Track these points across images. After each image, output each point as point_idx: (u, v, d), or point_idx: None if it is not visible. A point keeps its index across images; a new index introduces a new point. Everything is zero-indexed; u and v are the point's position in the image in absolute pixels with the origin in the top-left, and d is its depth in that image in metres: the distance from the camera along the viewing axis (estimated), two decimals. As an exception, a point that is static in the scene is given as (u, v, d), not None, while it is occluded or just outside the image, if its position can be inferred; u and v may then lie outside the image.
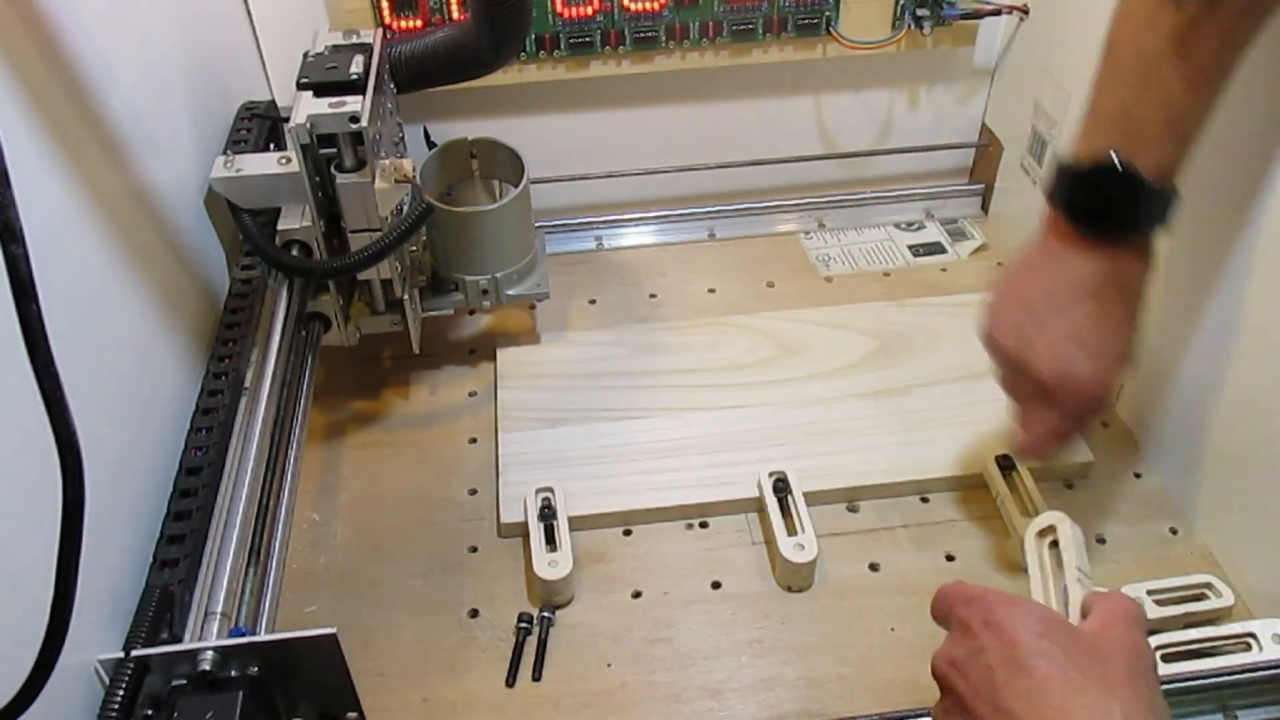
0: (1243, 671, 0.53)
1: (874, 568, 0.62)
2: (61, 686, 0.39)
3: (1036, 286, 0.53)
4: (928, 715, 0.51)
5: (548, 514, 0.62)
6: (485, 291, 0.73)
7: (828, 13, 0.79)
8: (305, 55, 0.62)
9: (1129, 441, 0.69)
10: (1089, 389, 0.52)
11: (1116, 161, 0.49)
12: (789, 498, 0.63)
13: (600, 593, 0.61)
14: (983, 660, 0.42)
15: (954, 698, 0.44)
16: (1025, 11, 0.80)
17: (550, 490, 0.64)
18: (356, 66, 0.60)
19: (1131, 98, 0.49)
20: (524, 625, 0.58)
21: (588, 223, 0.89)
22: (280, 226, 0.62)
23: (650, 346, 0.77)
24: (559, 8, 0.76)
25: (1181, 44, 0.47)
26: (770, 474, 0.64)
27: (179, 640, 0.49)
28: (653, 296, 0.83)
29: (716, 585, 0.61)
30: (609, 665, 0.57)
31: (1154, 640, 0.49)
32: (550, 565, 0.59)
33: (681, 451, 0.68)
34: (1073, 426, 0.55)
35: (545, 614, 0.59)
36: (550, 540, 0.61)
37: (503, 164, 0.75)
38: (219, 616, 0.46)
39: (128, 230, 0.56)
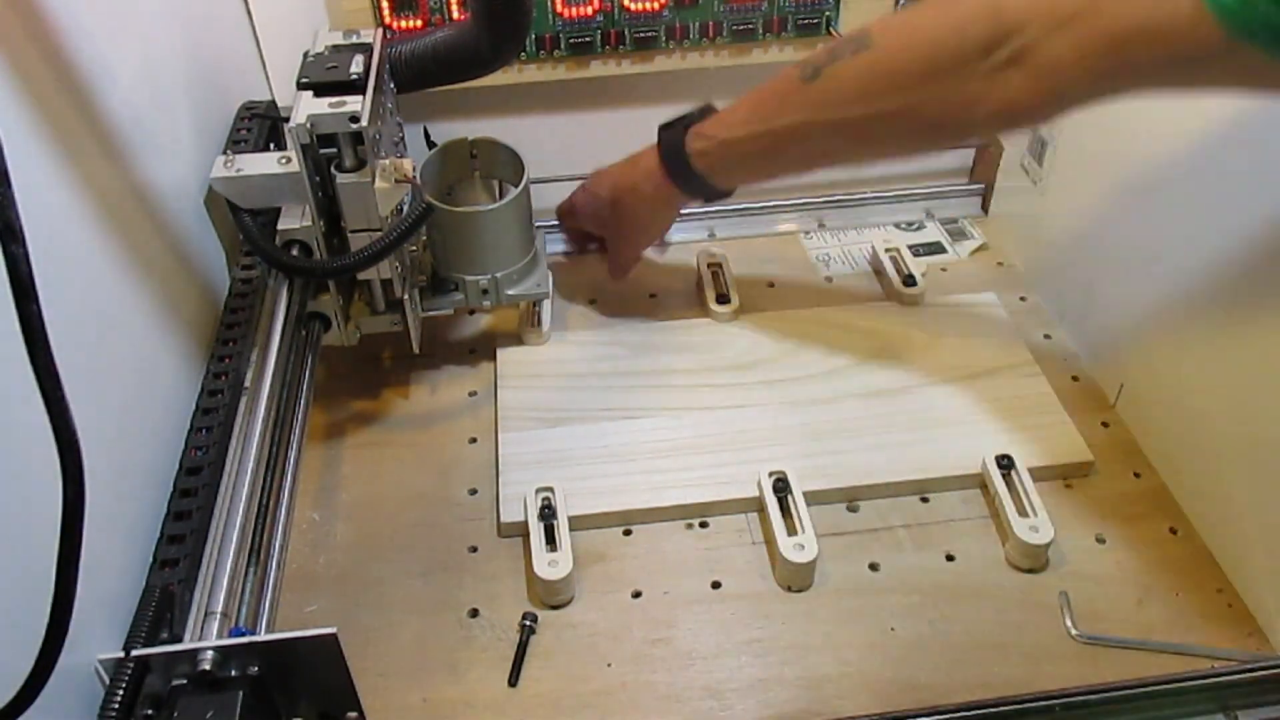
0: (1243, 671, 0.53)
1: (874, 568, 0.62)
2: (61, 686, 0.39)
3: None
4: (928, 715, 0.51)
5: (548, 514, 0.62)
6: (485, 291, 0.73)
7: (828, 13, 0.79)
8: (305, 55, 0.62)
9: (1129, 441, 0.69)
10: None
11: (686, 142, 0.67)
12: (789, 498, 0.63)
13: (600, 593, 0.61)
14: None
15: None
16: (1025, 11, 0.80)
17: (550, 490, 0.64)
18: (356, 66, 0.60)
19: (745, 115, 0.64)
20: (528, 624, 0.58)
21: (588, 223, 0.89)
22: (280, 226, 0.62)
23: (650, 346, 0.77)
24: (559, 8, 0.76)
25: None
26: (770, 474, 0.64)
27: (179, 640, 0.49)
28: (653, 296, 0.83)
29: (716, 585, 0.61)
30: (609, 665, 0.57)
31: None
32: (550, 565, 0.59)
33: (681, 451, 0.68)
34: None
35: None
36: (550, 540, 0.61)
37: (503, 164, 0.75)
38: (219, 616, 0.46)
39: (128, 230, 0.56)
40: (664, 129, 0.68)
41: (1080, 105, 0.50)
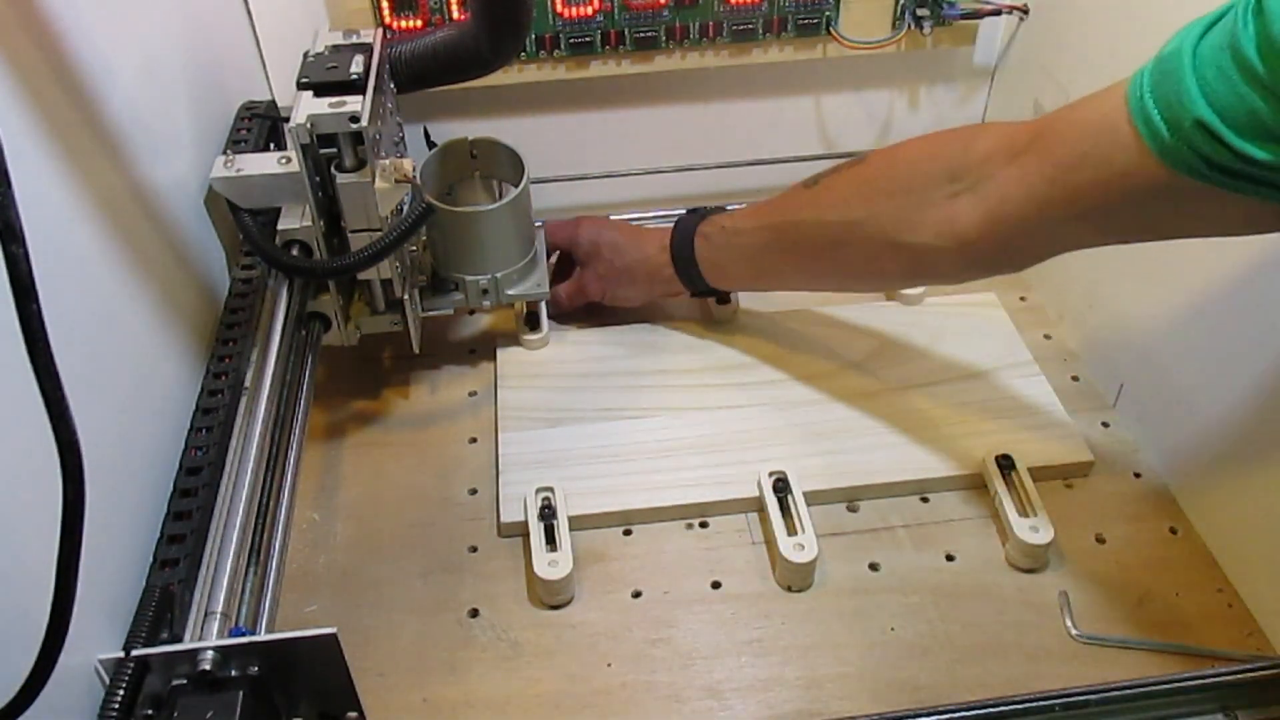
0: (1243, 671, 0.53)
1: (874, 568, 0.62)
2: (61, 686, 0.39)
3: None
4: (928, 715, 0.51)
5: (548, 514, 0.62)
6: (485, 291, 0.73)
7: (828, 13, 0.79)
8: (305, 55, 0.62)
9: (1129, 441, 0.69)
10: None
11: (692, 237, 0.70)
12: (789, 498, 0.63)
13: (600, 592, 0.61)
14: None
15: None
16: (1025, 11, 0.80)
17: (550, 490, 0.64)
18: (356, 66, 0.60)
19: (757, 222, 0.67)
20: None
21: (588, 223, 0.89)
22: (280, 226, 0.62)
23: (650, 346, 0.77)
24: (559, 8, 0.76)
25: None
26: (770, 474, 0.64)
27: (179, 640, 0.49)
28: (653, 296, 0.83)
29: (716, 585, 0.61)
30: (609, 665, 0.57)
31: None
32: (550, 565, 0.59)
33: (681, 451, 0.68)
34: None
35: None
36: (550, 540, 0.61)
37: (503, 164, 0.75)
38: (219, 616, 0.46)
39: (128, 230, 0.56)
40: (679, 220, 0.73)
41: (1028, 240, 0.52)
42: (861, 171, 0.60)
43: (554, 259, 0.81)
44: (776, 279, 0.69)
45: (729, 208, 0.72)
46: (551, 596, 0.60)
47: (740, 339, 0.77)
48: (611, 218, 0.81)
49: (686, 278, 0.71)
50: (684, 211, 0.73)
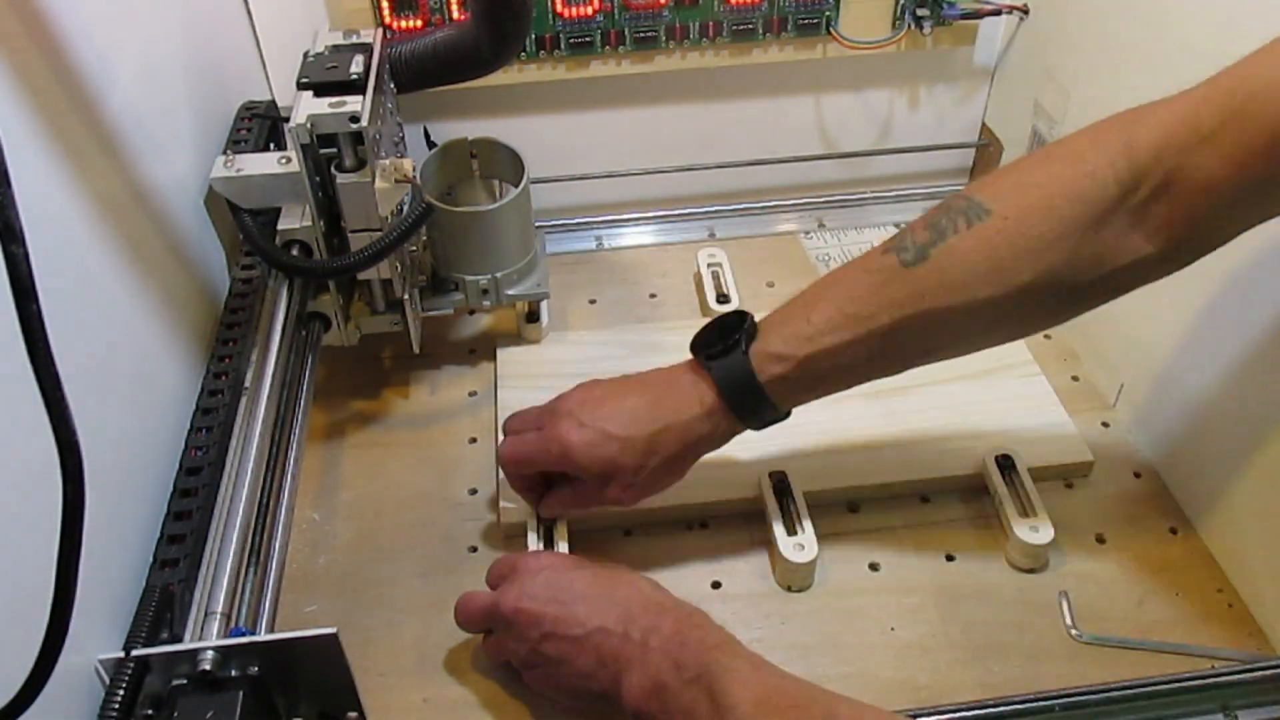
0: (1243, 671, 0.53)
1: (874, 568, 0.62)
2: (62, 686, 0.39)
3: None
4: (928, 715, 0.51)
5: (548, 514, 0.62)
6: (485, 291, 0.73)
7: (828, 13, 0.79)
8: (305, 55, 0.62)
9: (1129, 442, 0.69)
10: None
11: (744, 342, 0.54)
12: (789, 498, 0.63)
13: (600, 593, 0.61)
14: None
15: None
16: (1025, 11, 0.80)
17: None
18: (356, 66, 0.60)
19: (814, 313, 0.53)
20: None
21: (588, 223, 0.89)
22: (280, 226, 0.62)
23: (650, 346, 0.76)
24: (559, 8, 0.76)
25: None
26: (770, 474, 0.64)
27: (179, 640, 0.49)
28: (653, 296, 0.83)
29: (716, 585, 0.61)
30: (609, 665, 0.57)
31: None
32: (550, 565, 0.59)
33: (681, 451, 0.68)
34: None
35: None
36: (550, 541, 0.61)
37: (503, 164, 0.75)
38: (219, 616, 0.46)
39: (128, 230, 0.56)
40: (710, 356, 0.55)
41: (1238, 228, 0.46)
42: (999, 228, 0.48)
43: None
44: (879, 377, 0.56)
45: (738, 339, 0.55)
46: (551, 596, 0.60)
47: (740, 339, 0.77)
48: (578, 400, 0.59)
49: (756, 422, 0.56)
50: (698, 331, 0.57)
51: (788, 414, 0.57)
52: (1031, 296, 0.48)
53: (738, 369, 0.54)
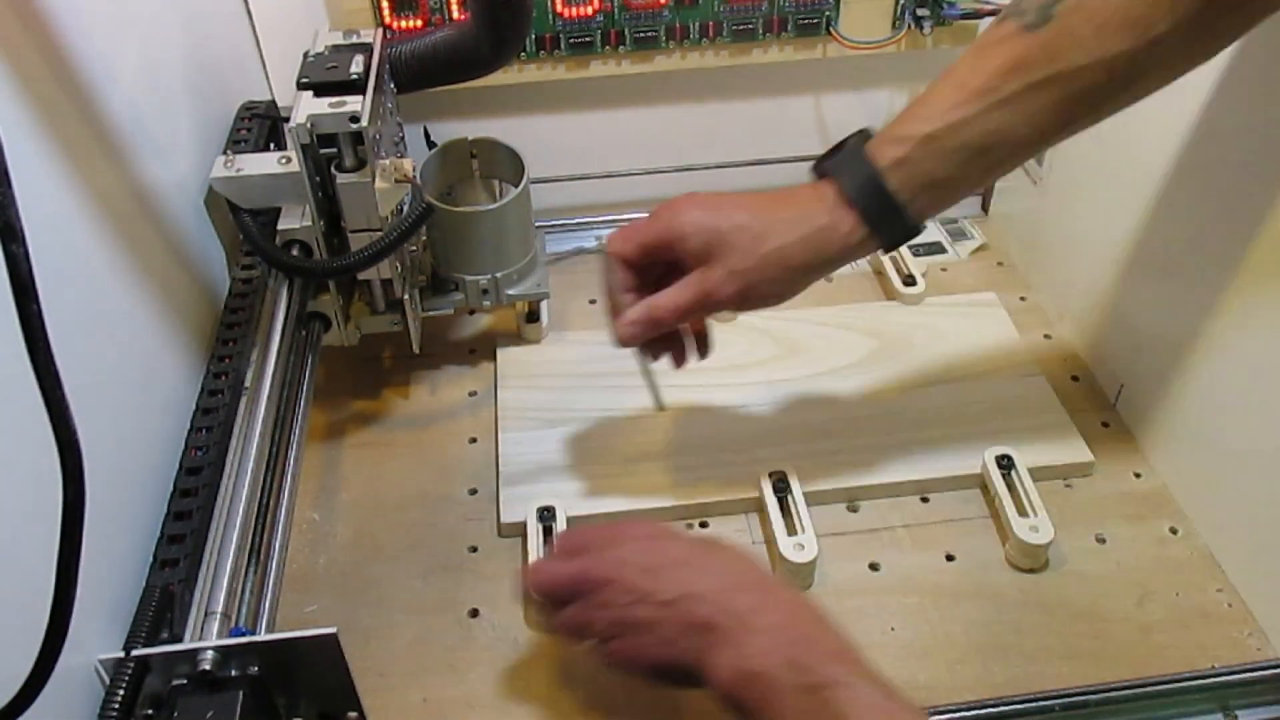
0: (1242, 671, 0.53)
1: (874, 568, 0.62)
2: (62, 686, 0.39)
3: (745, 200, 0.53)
4: (928, 715, 0.51)
5: (547, 515, 0.62)
6: (485, 291, 0.73)
7: (828, 13, 0.79)
8: (305, 55, 0.62)
9: (1129, 441, 0.69)
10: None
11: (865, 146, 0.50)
12: (789, 498, 0.63)
13: (600, 593, 0.61)
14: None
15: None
16: (1025, 11, 0.80)
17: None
18: (356, 66, 0.60)
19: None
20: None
21: (588, 223, 0.89)
22: (280, 226, 0.62)
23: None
24: (559, 8, 0.76)
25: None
26: (770, 474, 0.64)
27: (179, 640, 0.49)
28: (653, 296, 0.83)
29: (716, 585, 0.61)
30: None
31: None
32: (550, 565, 0.59)
33: (681, 451, 0.68)
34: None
35: None
36: (549, 541, 0.61)
37: (503, 164, 0.75)
38: (219, 616, 0.46)
39: (128, 230, 0.56)
40: (821, 161, 0.52)
41: None
42: None
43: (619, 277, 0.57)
44: (1004, 169, 0.50)
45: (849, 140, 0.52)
46: (551, 596, 0.60)
47: (740, 339, 0.76)
48: (693, 194, 0.55)
49: (885, 227, 0.51)
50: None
51: (917, 227, 0.51)
52: (1172, 41, 0.44)
53: (853, 157, 0.50)
